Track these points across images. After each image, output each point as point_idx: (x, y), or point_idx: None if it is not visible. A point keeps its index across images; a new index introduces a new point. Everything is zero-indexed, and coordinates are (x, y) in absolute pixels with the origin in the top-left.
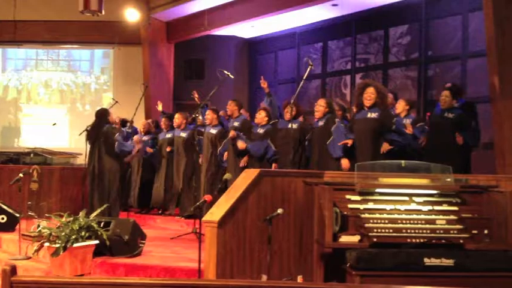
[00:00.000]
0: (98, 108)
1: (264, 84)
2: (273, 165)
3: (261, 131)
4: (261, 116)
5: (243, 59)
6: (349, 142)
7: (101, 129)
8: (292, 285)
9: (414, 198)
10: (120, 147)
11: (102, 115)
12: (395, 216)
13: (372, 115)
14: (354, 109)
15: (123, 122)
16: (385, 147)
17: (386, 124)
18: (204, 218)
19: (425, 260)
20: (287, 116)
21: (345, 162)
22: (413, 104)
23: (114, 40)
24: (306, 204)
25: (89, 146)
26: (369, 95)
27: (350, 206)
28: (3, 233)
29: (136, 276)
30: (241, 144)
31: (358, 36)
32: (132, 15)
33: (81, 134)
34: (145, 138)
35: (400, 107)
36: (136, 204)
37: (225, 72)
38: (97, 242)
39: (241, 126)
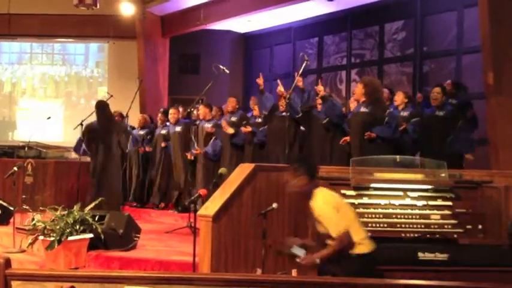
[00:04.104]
0: (95, 101)
1: (260, 81)
2: None
3: (259, 120)
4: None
5: (238, 54)
6: (347, 139)
7: (110, 122)
8: (286, 279)
9: (409, 193)
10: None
11: (103, 107)
12: (390, 211)
13: (364, 109)
14: (351, 104)
15: (121, 116)
16: (369, 135)
17: (378, 117)
18: (199, 212)
19: (420, 254)
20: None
21: None
22: (410, 98)
23: (109, 34)
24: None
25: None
26: (355, 92)
27: (345, 200)
28: None
29: (130, 270)
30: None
31: (353, 32)
32: (127, 9)
33: (76, 127)
34: (141, 132)
35: (399, 99)
36: (136, 199)
37: (221, 67)
38: (91, 235)
39: (239, 120)
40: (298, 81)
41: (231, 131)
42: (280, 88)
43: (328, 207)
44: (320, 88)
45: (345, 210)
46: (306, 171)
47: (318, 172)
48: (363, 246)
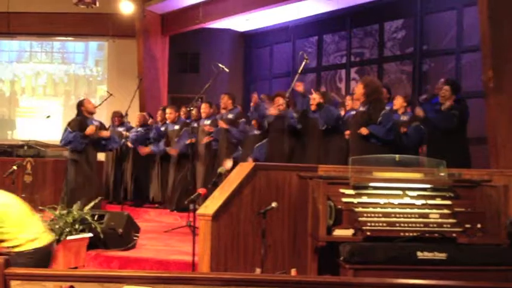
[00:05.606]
0: (94, 99)
1: (299, 87)
2: None
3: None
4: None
5: (238, 53)
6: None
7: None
8: (285, 278)
9: (408, 192)
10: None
11: (77, 106)
12: (389, 210)
13: (362, 108)
14: (348, 104)
15: (120, 116)
16: (363, 131)
17: (373, 116)
18: (199, 211)
19: (418, 253)
20: (280, 107)
21: None
22: (410, 101)
23: (109, 32)
24: (300, 198)
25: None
26: (356, 91)
27: (344, 199)
28: None
29: (130, 269)
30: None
31: (353, 30)
32: (126, 7)
33: None
34: (140, 129)
35: (398, 103)
36: (132, 197)
37: (220, 65)
38: (91, 235)
39: (235, 118)
40: (298, 86)
41: (224, 126)
42: (273, 111)
43: None
44: (314, 96)
45: (14, 210)
46: None
47: None
48: (38, 241)
